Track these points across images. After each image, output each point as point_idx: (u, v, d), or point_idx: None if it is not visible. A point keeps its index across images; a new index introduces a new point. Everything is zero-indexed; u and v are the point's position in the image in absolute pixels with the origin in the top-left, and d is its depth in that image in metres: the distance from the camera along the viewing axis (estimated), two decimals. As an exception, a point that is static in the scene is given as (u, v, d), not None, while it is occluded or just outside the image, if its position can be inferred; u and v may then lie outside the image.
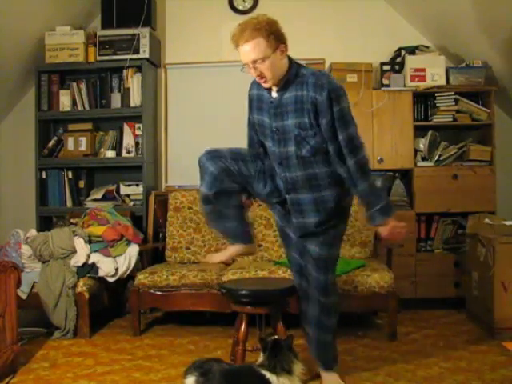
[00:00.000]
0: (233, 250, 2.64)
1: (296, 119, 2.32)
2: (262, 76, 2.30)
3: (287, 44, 2.34)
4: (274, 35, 2.27)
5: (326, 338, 2.61)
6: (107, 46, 4.37)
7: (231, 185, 2.51)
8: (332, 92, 2.25)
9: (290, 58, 2.38)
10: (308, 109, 2.29)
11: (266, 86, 2.35)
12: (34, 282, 3.52)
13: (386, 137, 4.17)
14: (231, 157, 2.51)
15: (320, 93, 2.25)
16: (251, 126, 2.59)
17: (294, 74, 2.33)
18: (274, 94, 2.38)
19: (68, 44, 4.37)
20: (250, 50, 2.25)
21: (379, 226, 2.39)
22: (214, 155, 2.50)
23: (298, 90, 2.31)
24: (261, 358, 2.21)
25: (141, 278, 3.51)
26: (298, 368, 2.20)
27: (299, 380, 2.21)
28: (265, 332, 2.84)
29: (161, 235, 4.19)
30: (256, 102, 2.48)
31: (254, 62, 2.27)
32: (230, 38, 2.32)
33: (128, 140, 4.48)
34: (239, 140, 2.78)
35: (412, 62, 4.19)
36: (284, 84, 2.34)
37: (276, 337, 2.32)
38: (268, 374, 2.13)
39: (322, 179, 2.41)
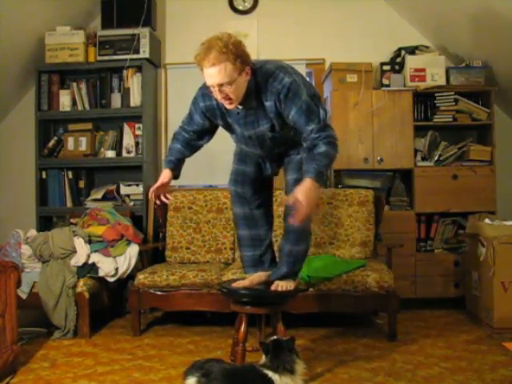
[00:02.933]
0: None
1: (266, 125, 2.44)
2: (226, 98, 2.32)
3: (251, 65, 2.35)
4: (241, 59, 2.27)
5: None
6: (107, 46, 4.38)
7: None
8: (289, 92, 2.30)
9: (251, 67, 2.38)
10: (273, 115, 2.39)
11: (229, 107, 2.38)
12: (34, 282, 3.52)
13: (386, 137, 4.17)
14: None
15: (278, 97, 2.33)
16: (202, 115, 2.59)
17: (253, 87, 2.36)
18: (239, 107, 2.43)
19: (68, 44, 4.37)
20: (216, 73, 2.25)
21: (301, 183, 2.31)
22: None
23: (259, 100, 2.37)
24: (263, 359, 2.21)
25: (141, 278, 3.51)
26: (300, 367, 2.20)
27: (301, 379, 2.21)
28: (264, 332, 2.84)
29: (161, 235, 4.19)
30: (219, 111, 2.52)
31: (220, 85, 2.28)
32: (194, 57, 2.33)
33: (128, 140, 4.48)
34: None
35: (412, 61, 4.19)
36: (246, 98, 2.37)
37: (276, 337, 2.31)
38: (270, 374, 2.12)
39: (290, 147, 2.61)
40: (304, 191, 2.22)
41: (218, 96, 2.33)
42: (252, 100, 2.39)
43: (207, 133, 2.69)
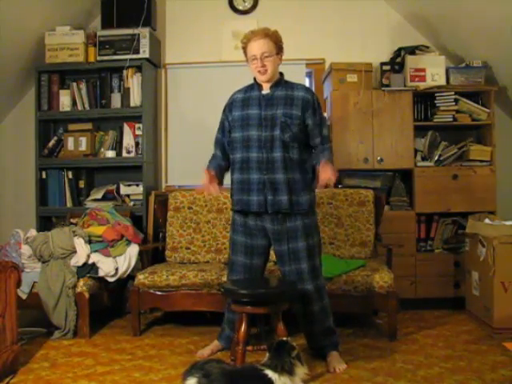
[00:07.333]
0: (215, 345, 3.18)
1: (285, 110, 2.84)
2: (264, 67, 2.82)
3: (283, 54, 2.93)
4: (279, 44, 2.88)
5: None
6: (107, 46, 4.37)
7: None
8: (317, 99, 2.92)
9: (280, 73, 2.95)
10: (298, 104, 2.85)
11: (263, 77, 2.86)
12: (34, 282, 3.52)
13: (386, 137, 4.17)
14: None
15: (311, 95, 2.90)
16: (223, 130, 3.04)
17: (283, 81, 2.94)
18: (267, 91, 2.90)
19: (68, 44, 4.37)
20: (263, 44, 2.81)
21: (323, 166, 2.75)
22: None
23: (288, 90, 2.89)
24: (266, 358, 2.22)
25: (141, 278, 3.51)
26: (301, 371, 2.20)
27: (300, 380, 2.21)
28: (262, 330, 2.85)
29: (161, 235, 4.18)
30: (240, 102, 2.95)
31: (263, 53, 2.80)
32: (243, 37, 2.87)
33: (128, 140, 4.47)
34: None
35: (412, 61, 4.18)
36: (275, 84, 2.90)
37: (283, 338, 2.31)
38: (270, 373, 2.13)
39: (295, 163, 2.85)
40: (330, 168, 2.71)
41: (258, 64, 2.80)
42: (280, 88, 2.88)
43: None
